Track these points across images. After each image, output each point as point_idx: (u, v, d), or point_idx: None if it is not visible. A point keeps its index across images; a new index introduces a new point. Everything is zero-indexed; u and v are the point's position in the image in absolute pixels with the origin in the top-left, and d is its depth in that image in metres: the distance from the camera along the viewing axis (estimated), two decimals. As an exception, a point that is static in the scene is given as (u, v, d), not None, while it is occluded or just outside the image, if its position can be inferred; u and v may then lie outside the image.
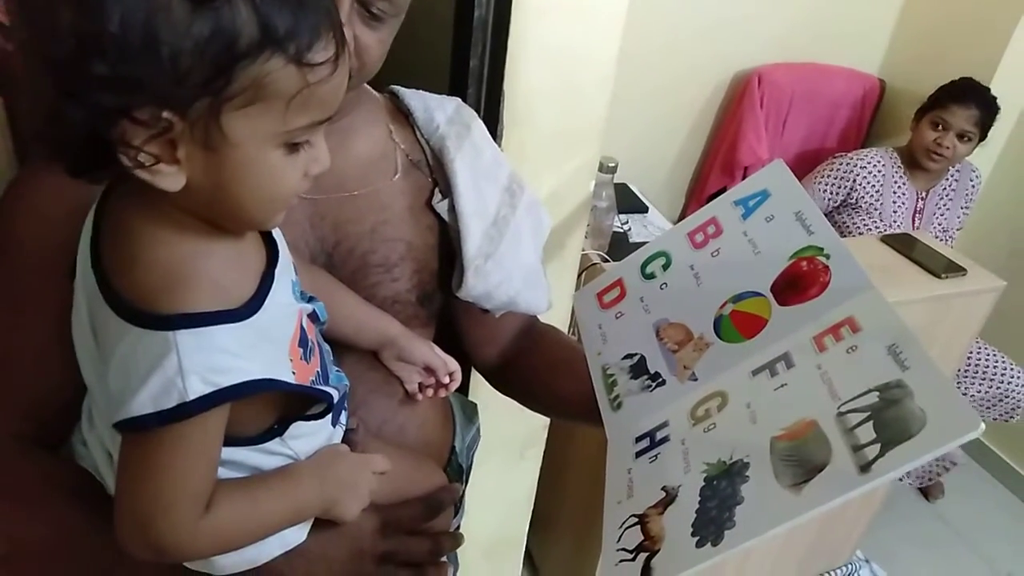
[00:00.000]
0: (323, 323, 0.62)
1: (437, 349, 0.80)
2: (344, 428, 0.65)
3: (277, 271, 0.53)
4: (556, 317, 0.86)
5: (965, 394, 2.18)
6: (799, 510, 0.51)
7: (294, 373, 0.53)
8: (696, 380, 0.67)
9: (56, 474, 0.61)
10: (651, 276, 0.77)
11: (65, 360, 0.59)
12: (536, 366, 0.88)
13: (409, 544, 0.67)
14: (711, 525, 0.54)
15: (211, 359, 0.46)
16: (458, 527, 0.92)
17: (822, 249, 0.66)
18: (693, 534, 0.54)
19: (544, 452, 1.49)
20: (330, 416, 0.60)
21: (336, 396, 0.59)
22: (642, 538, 0.57)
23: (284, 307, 0.54)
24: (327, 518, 0.60)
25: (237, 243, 0.51)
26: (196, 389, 0.45)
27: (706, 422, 0.63)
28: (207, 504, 0.51)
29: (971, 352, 2.13)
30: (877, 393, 0.54)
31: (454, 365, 0.80)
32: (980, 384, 2.15)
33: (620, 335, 0.76)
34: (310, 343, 0.57)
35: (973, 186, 2.30)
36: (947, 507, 2.43)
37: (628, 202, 2.01)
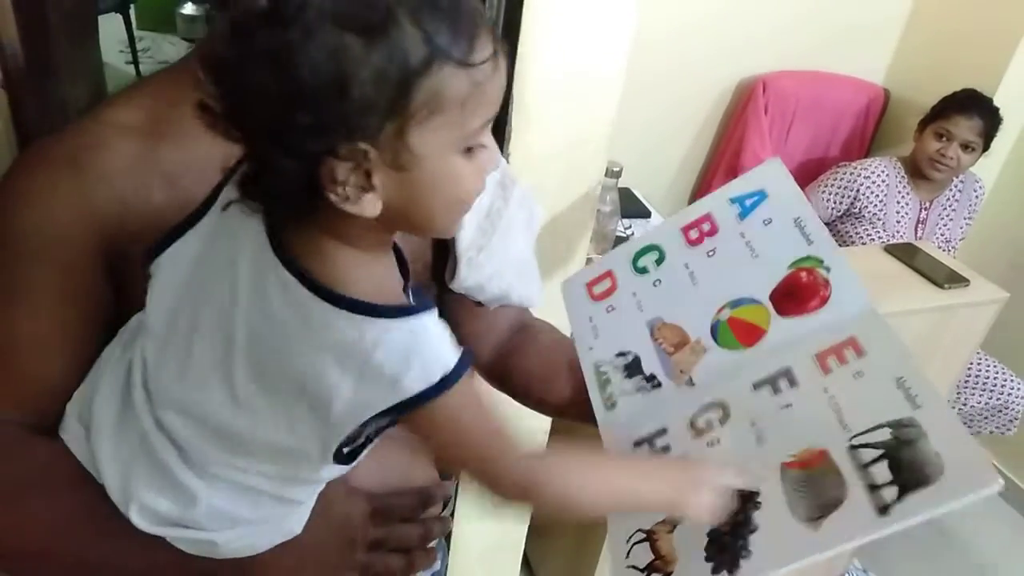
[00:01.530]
0: None
1: None
2: None
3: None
4: (559, 318, 0.86)
5: (965, 405, 2.17)
6: (819, 548, 0.51)
7: None
8: (694, 386, 0.67)
9: (56, 463, 0.61)
10: (643, 271, 0.76)
11: (65, 348, 0.60)
12: (531, 364, 0.88)
13: (399, 530, 0.68)
14: (726, 552, 0.53)
15: (445, 331, 0.51)
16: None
17: (822, 261, 0.66)
18: (707, 559, 0.54)
19: (544, 456, 1.48)
20: None
21: None
22: (653, 557, 0.57)
23: None
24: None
25: (390, 258, 0.55)
26: (451, 357, 0.50)
27: (709, 435, 0.62)
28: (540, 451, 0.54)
29: (972, 363, 2.13)
30: (890, 430, 0.53)
31: None
32: (980, 395, 2.15)
33: (612, 330, 0.75)
34: None
35: (977, 197, 2.30)
36: (945, 518, 2.40)
37: (632, 207, 2.01)
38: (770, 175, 0.72)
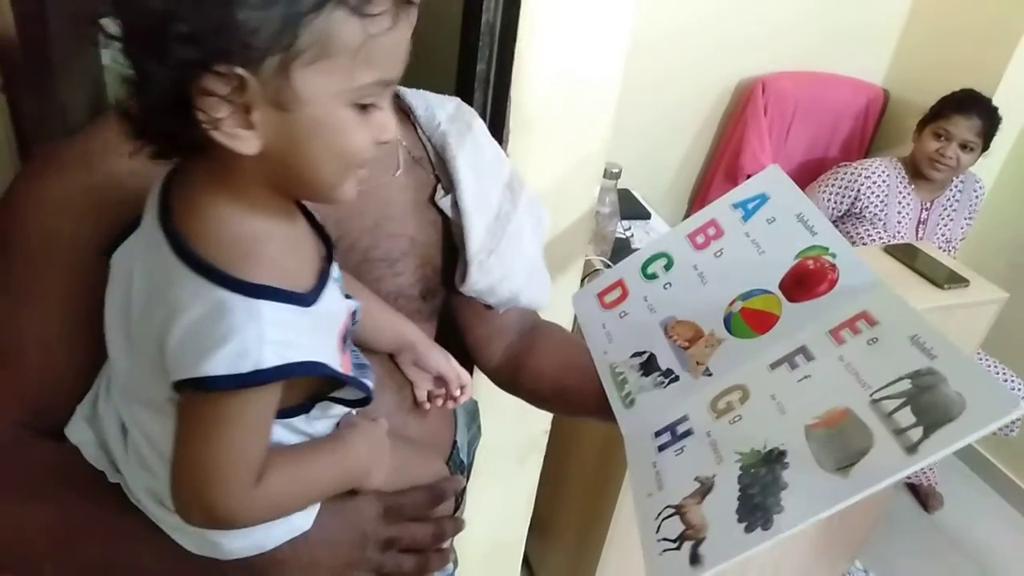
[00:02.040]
0: (356, 322, 0.63)
1: (452, 360, 0.80)
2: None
3: (332, 267, 0.56)
4: (564, 319, 0.86)
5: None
6: (852, 492, 0.52)
7: (341, 365, 0.55)
8: (711, 375, 0.68)
9: (62, 464, 0.61)
10: (653, 276, 0.78)
11: (71, 350, 0.60)
12: (543, 365, 0.88)
13: (412, 530, 0.67)
14: (758, 511, 0.55)
15: (285, 334, 0.48)
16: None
17: (827, 248, 0.68)
18: (740, 520, 0.55)
19: (544, 458, 1.49)
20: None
21: (371, 387, 0.60)
22: (684, 527, 0.58)
23: (336, 302, 0.56)
24: (356, 487, 0.62)
25: (293, 230, 0.53)
26: (270, 359, 0.47)
27: (730, 414, 0.64)
28: (261, 473, 0.52)
29: (972, 363, 2.13)
30: (909, 380, 0.55)
31: (466, 378, 0.81)
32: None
33: (626, 334, 0.77)
34: (347, 339, 0.59)
35: (977, 197, 2.30)
36: (946, 518, 2.42)
37: (631, 208, 2.01)
38: (770, 180, 0.75)
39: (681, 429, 0.66)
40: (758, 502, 0.55)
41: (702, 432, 0.64)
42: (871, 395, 0.56)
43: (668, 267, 0.77)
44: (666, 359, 0.72)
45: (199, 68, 0.42)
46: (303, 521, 0.60)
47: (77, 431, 0.62)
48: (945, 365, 0.55)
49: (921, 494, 2.46)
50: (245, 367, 0.46)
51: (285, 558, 0.59)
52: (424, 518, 0.69)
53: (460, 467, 0.92)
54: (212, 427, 0.49)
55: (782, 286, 0.68)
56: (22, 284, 0.62)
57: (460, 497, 0.86)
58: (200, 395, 0.48)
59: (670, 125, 2.37)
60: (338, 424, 0.63)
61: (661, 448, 0.66)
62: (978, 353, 2.10)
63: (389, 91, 0.49)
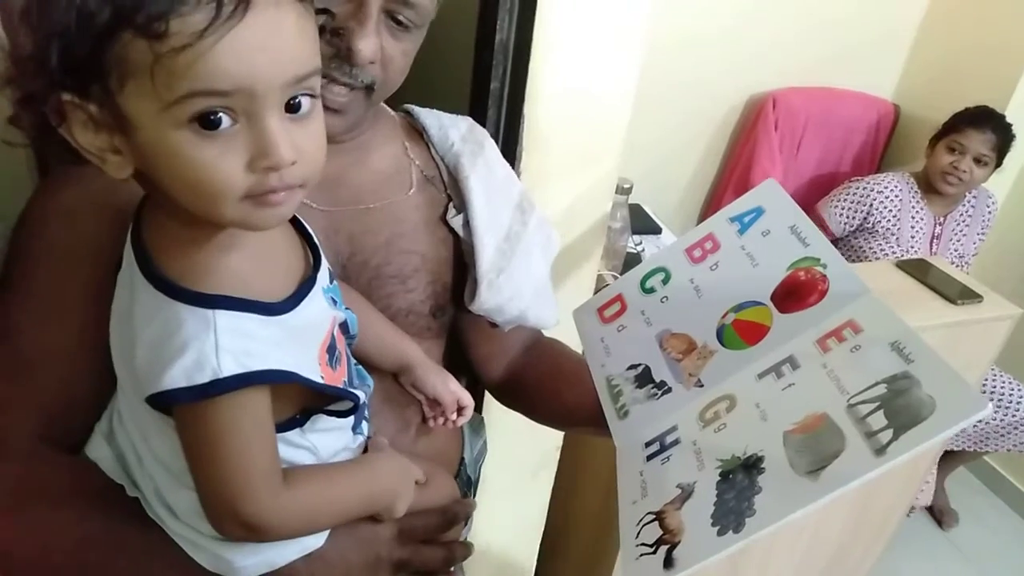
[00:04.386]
0: (353, 336, 0.63)
1: (452, 383, 0.80)
2: (365, 437, 0.66)
3: (318, 276, 0.55)
4: (571, 336, 0.86)
5: (980, 422, 2.15)
6: (819, 494, 0.52)
7: (322, 377, 0.55)
8: (702, 386, 0.69)
9: (83, 478, 0.61)
10: (651, 290, 0.79)
11: (91, 364, 0.60)
12: (542, 378, 0.89)
13: (424, 553, 0.67)
14: (731, 515, 0.55)
15: (244, 343, 0.48)
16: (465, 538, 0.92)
17: (818, 259, 0.69)
18: (713, 524, 0.56)
19: (555, 475, 1.48)
20: (352, 419, 0.62)
21: (363, 398, 0.61)
22: (661, 532, 0.59)
23: (318, 313, 0.56)
24: (377, 512, 0.63)
25: (261, 241, 0.52)
26: (229, 367, 0.47)
27: (716, 423, 0.65)
28: (285, 482, 0.53)
29: (987, 379, 2.11)
30: (885, 385, 0.56)
31: (466, 400, 0.81)
32: (996, 412, 2.13)
33: (623, 347, 0.78)
34: (337, 352, 0.58)
35: (990, 212, 2.29)
36: (961, 536, 2.39)
37: (642, 223, 2.01)
38: (766, 193, 0.76)
39: (670, 439, 0.67)
40: (732, 506, 0.56)
41: (688, 441, 0.66)
42: (848, 400, 0.57)
43: (666, 281, 0.78)
44: (660, 371, 0.73)
45: (34, 100, 0.43)
46: (314, 540, 0.60)
47: (95, 447, 0.62)
48: (920, 369, 0.55)
49: (936, 511, 2.43)
50: (202, 378, 0.46)
51: (303, 574, 0.59)
52: (436, 541, 0.69)
53: (467, 483, 0.92)
54: (209, 442, 0.49)
55: (774, 297, 0.69)
56: (43, 295, 0.62)
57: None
58: (185, 411, 0.48)
59: (681, 140, 2.38)
60: (365, 449, 0.65)
61: (649, 458, 0.67)
62: (992, 369, 2.09)
63: (242, 101, 0.43)
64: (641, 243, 1.93)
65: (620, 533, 0.62)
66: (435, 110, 0.86)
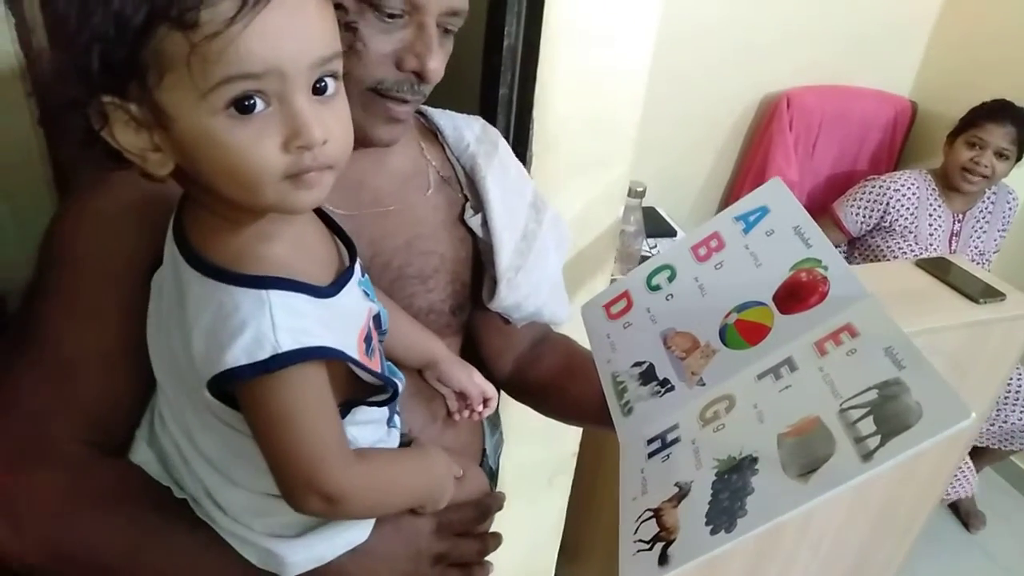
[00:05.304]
0: (384, 331, 0.65)
1: (476, 375, 0.82)
2: (399, 432, 0.67)
3: (354, 268, 0.58)
4: (579, 334, 0.87)
5: (1005, 422, 2.12)
6: (807, 496, 0.54)
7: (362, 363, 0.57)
8: (704, 385, 0.71)
9: (128, 479, 0.62)
10: (657, 288, 0.80)
11: (129, 367, 0.62)
12: (550, 372, 0.91)
13: (461, 545, 0.69)
14: (724, 515, 0.57)
15: (297, 321, 0.49)
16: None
17: (820, 261, 0.70)
18: (707, 523, 0.57)
19: (573, 480, 1.47)
20: (387, 411, 0.63)
21: (400, 386, 0.62)
22: (658, 529, 0.60)
23: (356, 302, 0.57)
24: (425, 502, 0.64)
25: (300, 233, 0.54)
26: (287, 343, 0.48)
27: (715, 423, 0.66)
28: (355, 457, 0.55)
29: (1011, 379, 2.08)
30: (876, 390, 0.57)
31: (491, 391, 0.82)
32: (1021, 412, 2.09)
33: (628, 344, 0.79)
34: (373, 343, 0.60)
35: (1010, 208, 2.26)
36: (989, 538, 2.35)
37: (656, 226, 2.00)
38: (771, 193, 0.77)
39: (671, 437, 0.69)
40: (726, 506, 0.57)
41: (688, 440, 0.67)
42: (840, 404, 0.58)
43: (671, 279, 0.79)
44: (664, 369, 0.74)
45: (80, 104, 0.46)
46: (360, 534, 0.61)
47: (138, 452, 0.64)
48: (911, 375, 0.56)
49: (962, 513, 2.39)
50: (263, 354, 0.48)
51: (349, 571, 0.61)
52: (470, 533, 0.71)
53: (490, 474, 0.95)
54: (279, 418, 0.50)
55: (775, 298, 0.70)
56: (81, 299, 0.63)
57: None
58: (250, 389, 0.50)
59: (695, 142, 2.36)
60: (410, 443, 0.68)
61: (651, 455, 0.69)
62: (1018, 368, 2.06)
63: (273, 84, 0.45)
64: (656, 246, 1.92)
65: (620, 528, 0.64)
66: (447, 111, 0.87)
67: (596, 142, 1.12)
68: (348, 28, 0.63)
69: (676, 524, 0.60)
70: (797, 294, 0.69)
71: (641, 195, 1.62)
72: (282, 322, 0.48)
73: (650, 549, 0.59)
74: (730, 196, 2.51)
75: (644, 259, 1.76)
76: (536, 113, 1.04)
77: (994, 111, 2.09)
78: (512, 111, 1.04)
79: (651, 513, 0.62)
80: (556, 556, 1.57)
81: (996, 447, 2.21)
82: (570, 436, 1.41)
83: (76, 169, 0.96)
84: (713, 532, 0.56)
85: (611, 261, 1.29)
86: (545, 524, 1.51)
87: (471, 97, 1.06)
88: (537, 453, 1.30)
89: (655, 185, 1.74)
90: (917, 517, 1.73)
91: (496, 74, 1.01)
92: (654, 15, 1.04)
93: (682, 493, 0.62)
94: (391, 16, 0.64)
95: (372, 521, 0.62)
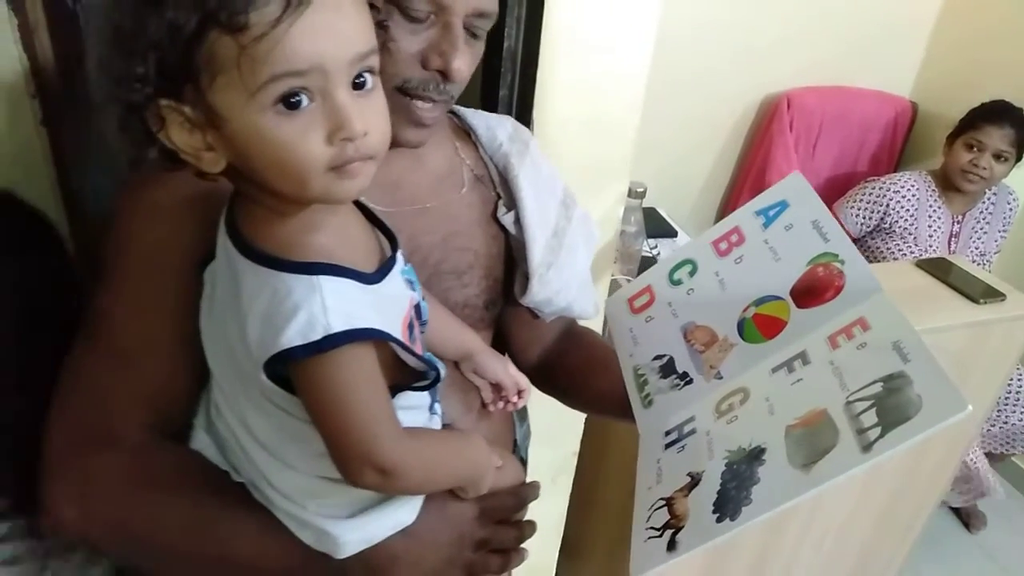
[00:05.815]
0: (424, 322, 0.66)
1: (510, 366, 0.84)
2: (439, 418, 0.69)
3: (397, 257, 0.60)
4: (598, 328, 0.88)
5: (1006, 423, 2.12)
6: (808, 486, 0.55)
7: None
8: (721, 378, 0.72)
9: (189, 463, 0.65)
10: (678, 282, 0.82)
11: (185, 354, 0.64)
12: (575, 365, 0.93)
13: (501, 532, 0.71)
14: (730, 503, 0.59)
15: (347, 305, 0.52)
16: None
17: (837, 255, 0.71)
18: (714, 511, 0.59)
19: (574, 479, 1.47)
20: (429, 396, 0.65)
21: (442, 371, 0.64)
22: (669, 517, 0.62)
23: (399, 290, 0.59)
24: (467, 485, 0.66)
25: (344, 225, 0.57)
26: (338, 324, 0.50)
27: (729, 415, 0.68)
28: (406, 433, 0.56)
29: (1012, 379, 2.08)
30: (881, 383, 0.58)
31: (524, 383, 0.84)
32: (1022, 412, 2.09)
33: (650, 338, 0.81)
34: (415, 331, 0.62)
35: (1011, 209, 2.26)
36: (990, 539, 2.35)
37: (657, 227, 2.00)
38: (791, 187, 0.78)
39: (687, 429, 0.70)
40: (732, 495, 0.59)
41: (703, 432, 0.68)
42: (847, 397, 0.59)
43: (692, 273, 0.81)
44: (683, 362, 0.76)
45: (138, 108, 0.48)
46: (407, 515, 0.63)
47: (198, 440, 0.66)
48: (915, 368, 0.57)
49: (963, 514, 2.39)
50: (316, 335, 0.50)
51: (398, 553, 0.62)
52: (509, 520, 0.72)
53: (522, 464, 0.96)
54: (333, 395, 0.52)
55: (793, 292, 0.72)
56: (138, 290, 0.66)
57: None
58: (304, 368, 0.52)
59: (696, 143, 2.37)
60: (446, 426, 0.69)
61: (667, 446, 0.70)
62: (1018, 369, 2.06)
63: (317, 80, 0.48)
64: (657, 246, 1.92)
65: (634, 516, 0.66)
66: (479, 111, 0.90)
67: (596, 144, 1.12)
68: (380, 26, 0.64)
69: (686, 512, 0.61)
70: (814, 289, 0.70)
71: (641, 196, 1.62)
72: (333, 305, 0.51)
73: (660, 535, 0.61)
74: (730, 196, 2.51)
75: (645, 259, 1.77)
76: (536, 115, 1.05)
77: (992, 113, 2.09)
78: (512, 112, 1.04)
79: (663, 502, 0.64)
80: (557, 554, 1.57)
81: (998, 451, 2.21)
82: (571, 436, 1.42)
83: (82, 170, 0.97)
84: (719, 520, 0.58)
85: (611, 261, 1.29)
86: (547, 523, 1.51)
87: (471, 97, 1.06)
88: (540, 453, 1.30)
89: (655, 186, 1.74)
90: (919, 517, 1.73)
91: (496, 76, 1.01)
92: (653, 20, 1.05)
93: (694, 482, 0.63)
94: (414, 19, 0.66)
95: (419, 504, 0.64)
